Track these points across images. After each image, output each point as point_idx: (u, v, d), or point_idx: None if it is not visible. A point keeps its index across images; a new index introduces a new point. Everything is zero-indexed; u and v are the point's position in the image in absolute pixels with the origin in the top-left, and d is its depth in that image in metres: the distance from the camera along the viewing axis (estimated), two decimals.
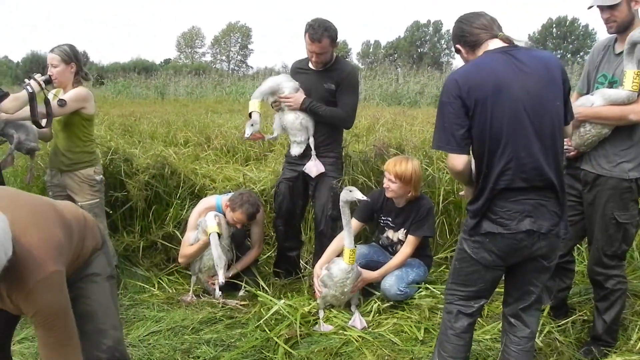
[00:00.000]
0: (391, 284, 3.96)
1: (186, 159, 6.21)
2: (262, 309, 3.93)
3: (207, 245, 4.16)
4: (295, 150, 4.34)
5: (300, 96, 4.19)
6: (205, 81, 29.21)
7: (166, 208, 5.13)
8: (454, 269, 2.77)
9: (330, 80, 4.20)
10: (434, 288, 4.09)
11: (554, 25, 75.06)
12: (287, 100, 4.20)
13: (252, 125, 4.14)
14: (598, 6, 3.13)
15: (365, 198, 3.73)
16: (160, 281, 4.57)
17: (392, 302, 4.00)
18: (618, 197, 3.17)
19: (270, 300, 3.99)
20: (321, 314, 3.87)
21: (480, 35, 2.56)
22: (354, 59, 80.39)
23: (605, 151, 3.19)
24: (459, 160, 2.53)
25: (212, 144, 7.41)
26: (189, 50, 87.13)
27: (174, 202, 5.11)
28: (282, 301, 3.94)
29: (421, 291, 4.10)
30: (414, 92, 22.55)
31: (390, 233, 4.25)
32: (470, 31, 2.59)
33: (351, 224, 3.77)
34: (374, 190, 4.46)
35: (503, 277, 2.80)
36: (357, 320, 3.82)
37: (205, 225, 4.17)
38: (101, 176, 4.11)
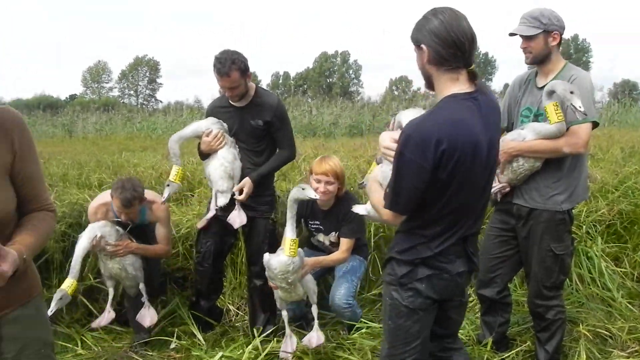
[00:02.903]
0: (340, 297, 3.93)
1: None
2: None
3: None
4: (221, 201, 3.99)
5: (246, 181, 3.94)
6: (114, 117, 28.32)
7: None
8: (390, 330, 2.46)
9: (257, 117, 4.00)
10: (373, 326, 4.00)
11: None
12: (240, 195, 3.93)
13: (168, 185, 3.89)
14: (513, 34, 3.22)
15: (317, 197, 3.61)
16: (84, 338, 4.23)
17: (333, 344, 3.86)
18: (553, 230, 3.22)
19: (206, 352, 3.75)
20: (287, 330, 3.72)
21: (453, 58, 2.16)
22: None
23: (537, 184, 3.23)
24: (397, 220, 2.35)
25: None
26: (96, 85, 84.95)
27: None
28: (220, 354, 3.65)
29: (361, 329, 3.99)
30: (328, 123, 22.76)
31: (321, 237, 4.18)
32: (446, 41, 2.14)
33: (295, 218, 3.53)
34: None
35: None
36: (315, 337, 3.65)
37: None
38: None
